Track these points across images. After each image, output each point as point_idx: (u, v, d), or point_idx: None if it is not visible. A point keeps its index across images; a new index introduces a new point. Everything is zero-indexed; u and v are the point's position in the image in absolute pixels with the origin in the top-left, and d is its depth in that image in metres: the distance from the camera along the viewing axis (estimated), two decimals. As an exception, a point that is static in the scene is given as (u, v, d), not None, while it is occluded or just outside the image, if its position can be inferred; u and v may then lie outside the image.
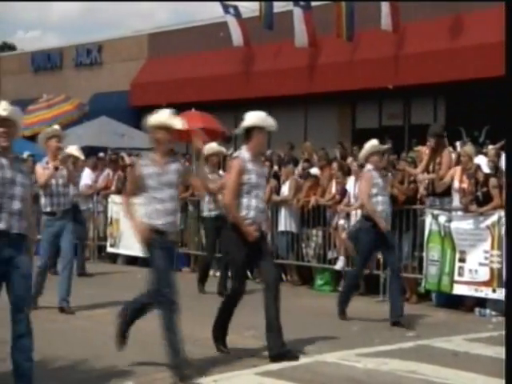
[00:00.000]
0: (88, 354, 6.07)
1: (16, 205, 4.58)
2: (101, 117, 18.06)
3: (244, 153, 6.16)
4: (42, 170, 7.87)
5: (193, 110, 13.71)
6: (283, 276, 10.61)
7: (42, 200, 7.93)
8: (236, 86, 18.23)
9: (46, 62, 24.15)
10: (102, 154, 13.63)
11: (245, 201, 6.02)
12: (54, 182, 7.88)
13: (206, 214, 9.80)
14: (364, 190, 7.70)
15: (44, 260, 8.04)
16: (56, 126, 8.43)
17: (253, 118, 6.19)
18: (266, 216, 6.32)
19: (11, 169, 4.61)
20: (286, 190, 10.58)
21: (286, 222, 10.43)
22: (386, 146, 8.98)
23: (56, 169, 7.82)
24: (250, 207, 6.04)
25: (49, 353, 6.02)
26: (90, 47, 22.98)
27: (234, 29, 17.83)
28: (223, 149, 10.01)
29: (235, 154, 6.45)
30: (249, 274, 10.92)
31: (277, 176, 11.25)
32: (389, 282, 7.96)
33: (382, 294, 9.15)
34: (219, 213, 9.02)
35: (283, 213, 10.49)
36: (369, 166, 7.74)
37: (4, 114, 4.67)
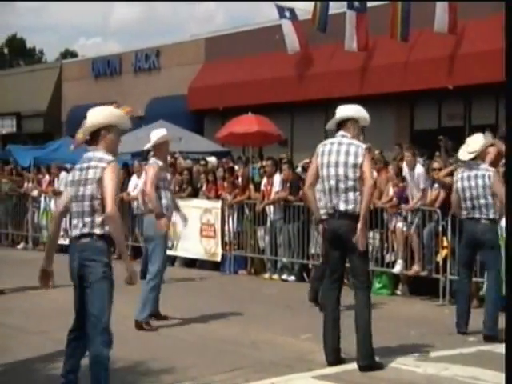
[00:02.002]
0: (145, 355, 6.13)
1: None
2: (158, 120, 18.30)
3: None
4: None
5: (249, 113, 13.73)
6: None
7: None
8: (292, 89, 18.19)
9: (106, 67, 24.60)
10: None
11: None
12: None
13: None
14: (501, 191, 6.68)
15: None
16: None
17: (346, 110, 6.01)
18: None
19: None
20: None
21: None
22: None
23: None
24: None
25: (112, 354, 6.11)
26: (148, 52, 23.29)
27: (289, 34, 17.76)
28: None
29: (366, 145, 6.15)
30: (305, 277, 10.94)
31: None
32: (487, 289, 7.27)
33: (441, 297, 8.98)
34: None
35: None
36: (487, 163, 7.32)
37: None
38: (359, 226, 5.68)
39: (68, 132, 21.90)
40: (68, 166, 15.38)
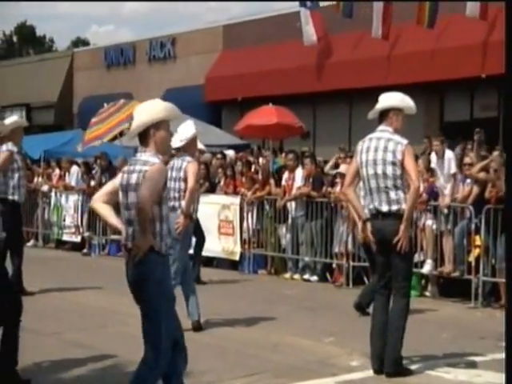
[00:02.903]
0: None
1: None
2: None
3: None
4: None
5: (270, 104, 13.70)
6: (365, 279, 10.49)
7: None
8: (315, 78, 18.16)
9: (119, 56, 24.67)
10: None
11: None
12: None
13: None
14: None
15: None
16: None
17: (388, 98, 5.92)
18: None
19: None
20: (368, 187, 10.44)
21: (368, 221, 10.29)
22: None
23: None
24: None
25: (124, 358, 6.15)
26: (164, 40, 23.31)
27: (307, 25, 17.68)
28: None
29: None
30: (329, 277, 10.92)
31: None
32: None
33: (473, 299, 8.91)
34: None
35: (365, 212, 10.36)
36: None
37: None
38: (401, 227, 5.62)
39: (80, 124, 22.04)
40: (79, 159, 15.51)
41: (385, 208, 5.72)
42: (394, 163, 5.68)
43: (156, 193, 4.30)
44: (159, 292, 4.41)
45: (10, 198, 8.69)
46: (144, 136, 4.47)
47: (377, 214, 5.77)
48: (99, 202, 4.62)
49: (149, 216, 4.28)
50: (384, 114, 5.87)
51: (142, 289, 4.44)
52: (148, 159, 4.39)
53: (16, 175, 8.73)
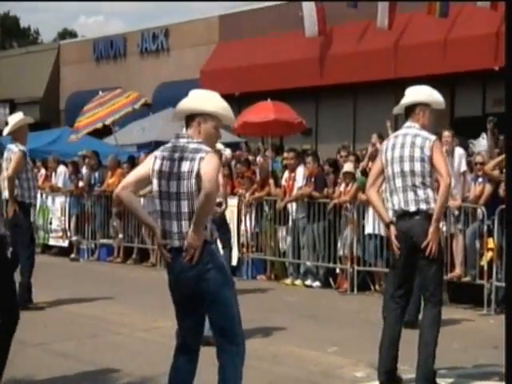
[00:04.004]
0: (156, 370, 6.15)
1: None
2: (167, 108, 18.34)
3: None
4: None
5: (268, 100, 13.72)
6: (371, 285, 10.51)
7: None
8: (317, 72, 18.17)
9: (109, 49, 24.69)
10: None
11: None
12: None
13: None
14: None
15: None
16: None
17: (414, 93, 5.86)
18: None
19: None
20: (374, 187, 10.45)
21: (374, 223, 10.32)
22: None
23: None
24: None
25: (115, 369, 6.16)
26: (156, 32, 23.33)
27: (309, 16, 17.67)
28: None
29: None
30: (332, 282, 10.93)
31: (365, 172, 11.14)
32: None
33: (486, 306, 8.93)
34: None
35: (371, 213, 10.38)
36: None
37: None
38: (431, 229, 5.55)
39: (67, 121, 22.05)
40: (67, 159, 15.52)
41: (413, 208, 5.64)
42: (422, 159, 5.64)
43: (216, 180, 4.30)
44: (223, 279, 4.42)
45: (27, 201, 8.68)
46: (190, 124, 4.47)
47: (403, 215, 5.69)
48: (130, 192, 4.45)
49: (214, 206, 4.31)
50: (410, 110, 5.82)
51: (204, 284, 4.38)
52: (200, 147, 4.35)
53: (30, 175, 8.77)
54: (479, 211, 9.18)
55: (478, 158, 9.70)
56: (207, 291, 4.40)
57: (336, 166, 11.50)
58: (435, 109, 5.88)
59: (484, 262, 9.00)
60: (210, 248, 4.39)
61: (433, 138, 5.73)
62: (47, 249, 14.85)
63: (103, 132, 16.34)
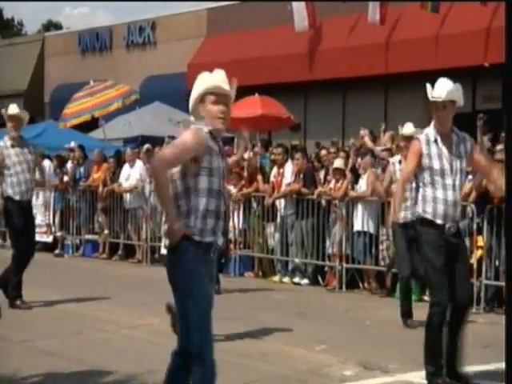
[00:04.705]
0: (141, 368, 6.15)
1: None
2: (154, 102, 18.29)
3: (427, 130, 5.83)
4: None
5: (256, 94, 13.71)
6: (359, 282, 10.54)
7: None
8: (306, 67, 18.17)
9: (95, 41, 24.59)
10: (148, 146, 13.62)
11: (428, 192, 5.72)
12: None
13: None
14: None
15: None
16: None
17: (451, 89, 5.79)
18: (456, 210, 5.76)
19: None
20: (363, 184, 10.49)
21: (363, 220, 10.34)
22: None
23: None
24: (437, 200, 5.67)
25: (99, 366, 6.14)
26: (143, 25, 23.25)
27: (299, 10, 17.64)
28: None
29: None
30: (320, 280, 10.96)
31: (354, 169, 11.17)
32: None
33: (475, 304, 8.97)
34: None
35: (360, 210, 10.41)
36: None
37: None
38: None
39: (51, 114, 21.95)
40: (52, 153, 15.45)
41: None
42: None
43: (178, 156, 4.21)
44: (184, 286, 4.34)
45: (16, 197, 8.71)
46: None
47: None
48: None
49: (163, 187, 4.24)
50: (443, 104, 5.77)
51: (171, 278, 4.39)
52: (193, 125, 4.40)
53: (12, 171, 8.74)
54: (469, 209, 9.21)
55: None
56: (172, 287, 4.39)
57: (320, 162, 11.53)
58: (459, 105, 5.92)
59: (473, 261, 9.02)
60: (184, 246, 4.29)
61: (417, 135, 5.97)
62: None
63: (90, 126, 16.28)
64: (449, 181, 5.65)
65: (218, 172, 4.32)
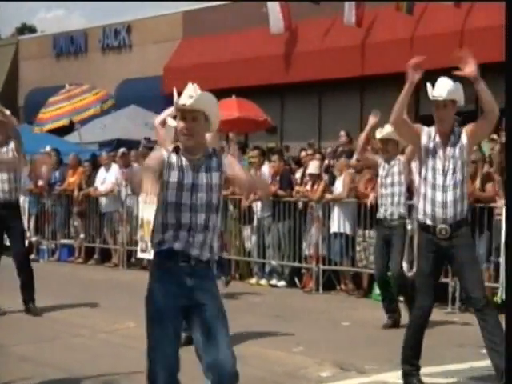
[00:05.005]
0: (117, 372, 6.13)
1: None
2: (130, 106, 18.25)
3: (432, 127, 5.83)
4: None
5: (233, 96, 13.72)
6: (336, 284, 10.57)
7: None
8: (282, 69, 18.21)
9: (70, 45, 24.47)
10: (123, 150, 13.58)
11: (422, 189, 5.71)
12: None
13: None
14: None
15: None
16: None
17: (451, 89, 5.84)
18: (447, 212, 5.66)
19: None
20: (339, 186, 10.53)
21: (339, 222, 10.38)
22: None
23: None
24: (426, 198, 5.66)
25: (75, 371, 6.11)
26: (118, 28, 23.18)
27: (274, 12, 17.68)
28: None
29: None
30: (297, 282, 10.98)
31: (329, 171, 11.22)
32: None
33: (450, 304, 9.04)
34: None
35: (336, 212, 10.45)
36: None
37: (189, 102, 4.32)
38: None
39: (26, 119, 21.79)
40: (26, 157, 15.32)
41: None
42: None
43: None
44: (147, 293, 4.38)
45: None
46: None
47: None
48: None
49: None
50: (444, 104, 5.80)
51: None
52: None
53: None
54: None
55: None
56: None
57: (299, 164, 11.56)
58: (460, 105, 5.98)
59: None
60: (151, 272, 4.40)
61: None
62: (5, 249, 14.62)
63: (65, 130, 16.20)
64: (439, 181, 5.64)
65: (177, 185, 4.22)
